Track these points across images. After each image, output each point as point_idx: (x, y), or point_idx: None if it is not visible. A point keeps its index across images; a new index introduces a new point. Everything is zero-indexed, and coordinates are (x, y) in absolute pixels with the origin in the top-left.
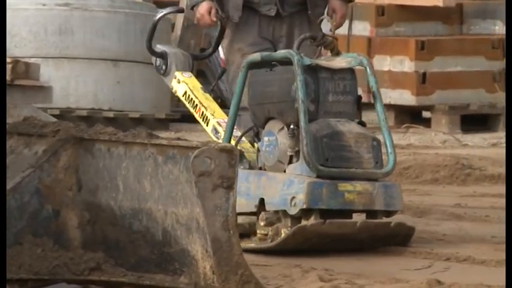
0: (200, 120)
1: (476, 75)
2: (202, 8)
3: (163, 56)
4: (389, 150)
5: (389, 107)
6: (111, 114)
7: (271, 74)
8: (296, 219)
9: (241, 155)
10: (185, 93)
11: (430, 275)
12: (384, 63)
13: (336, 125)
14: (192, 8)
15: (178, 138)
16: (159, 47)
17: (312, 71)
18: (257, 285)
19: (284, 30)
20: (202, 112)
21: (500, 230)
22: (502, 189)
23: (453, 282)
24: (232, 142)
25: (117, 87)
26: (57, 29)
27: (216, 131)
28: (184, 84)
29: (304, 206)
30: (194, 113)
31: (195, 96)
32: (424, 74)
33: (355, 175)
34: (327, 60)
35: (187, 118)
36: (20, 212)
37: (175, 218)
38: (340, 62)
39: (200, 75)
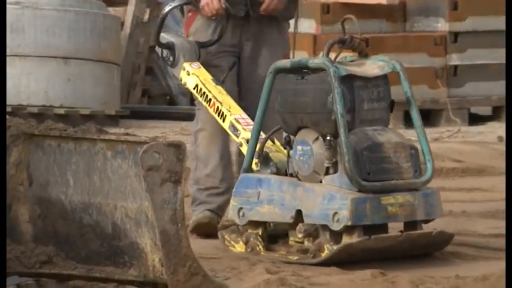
0: (215, 115)
1: (419, 71)
2: None
3: (170, 46)
4: (427, 158)
5: None
6: (62, 111)
7: (303, 83)
8: (338, 234)
9: (267, 157)
10: (196, 86)
11: (374, 267)
12: None
13: (375, 136)
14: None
15: (127, 134)
16: (164, 37)
17: (346, 80)
18: (205, 277)
19: (251, 32)
20: (218, 107)
21: (448, 222)
22: (444, 182)
23: (396, 274)
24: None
25: (68, 85)
26: (8, 27)
27: (234, 128)
28: (194, 76)
29: (349, 223)
30: (208, 108)
31: (207, 90)
32: None
33: (397, 187)
34: (359, 66)
35: (137, 115)
36: None
37: (124, 212)
38: (373, 68)
39: (148, 72)
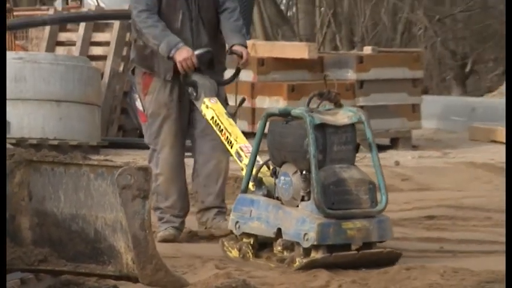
0: (225, 143)
1: None
2: (183, 53)
3: (194, 84)
4: (382, 192)
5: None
6: (55, 142)
7: (287, 127)
8: (307, 250)
9: (261, 181)
10: (212, 117)
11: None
12: (264, 102)
13: (340, 172)
14: (168, 57)
15: (106, 160)
16: (190, 76)
17: (320, 127)
18: (167, 272)
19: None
20: (227, 137)
21: None
22: None
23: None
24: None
25: (60, 122)
26: (13, 77)
27: (239, 155)
28: (211, 110)
29: (315, 243)
30: (220, 136)
31: (220, 121)
32: None
33: (355, 215)
34: (332, 115)
35: (114, 145)
36: None
37: (104, 221)
38: (343, 118)
39: (123, 111)
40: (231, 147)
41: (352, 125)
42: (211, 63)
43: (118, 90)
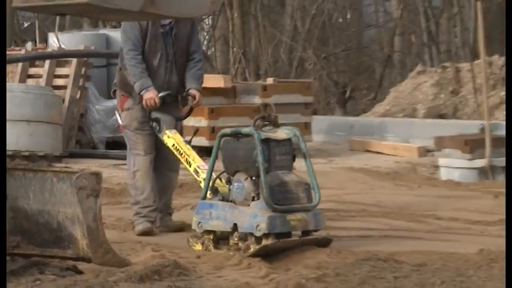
0: (185, 164)
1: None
2: (150, 94)
3: (157, 120)
4: (315, 191)
5: (194, 147)
6: (26, 153)
7: (238, 143)
8: (259, 238)
9: (216, 190)
10: (173, 145)
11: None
12: (190, 121)
13: (283, 176)
14: (139, 94)
15: (66, 167)
16: (154, 113)
17: (265, 142)
18: (114, 254)
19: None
20: (186, 158)
21: None
22: None
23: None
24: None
25: (30, 137)
26: None
27: (196, 172)
28: (172, 139)
29: (266, 231)
30: (180, 158)
31: (180, 147)
32: (213, 128)
33: (296, 209)
34: (273, 133)
35: (72, 155)
36: None
37: (64, 215)
38: (282, 134)
39: (79, 129)
40: (190, 166)
41: (289, 139)
42: (176, 100)
43: (75, 113)
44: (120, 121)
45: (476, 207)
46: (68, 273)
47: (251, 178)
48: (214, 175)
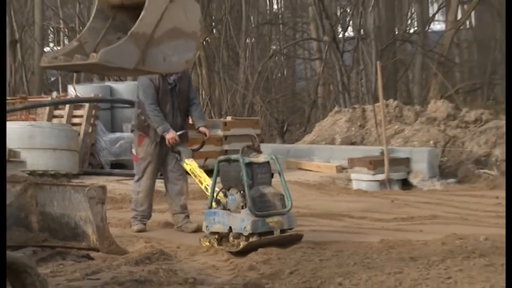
0: (198, 183)
1: (212, 153)
2: (171, 134)
3: (179, 152)
4: (288, 199)
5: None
6: (52, 172)
7: (230, 166)
8: (247, 237)
9: (219, 201)
10: (190, 169)
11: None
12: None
13: (263, 190)
14: (162, 135)
15: (81, 182)
16: (175, 148)
17: (249, 164)
18: (116, 245)
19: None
20: (199, 179)
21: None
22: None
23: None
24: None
25: (55, 161)
26: (28, 135)
27: (206, 189)
28: (189, 165)
29: (250, 232)
30: (195, 179)
31: (195, 171)
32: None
33: (273, 213)
34: (256, 158)
35: (86, 173)
36: (10, 215)
37: (79, 217)
38: (262, 158)
39: (91, 155)
40: (201, 184)
41: (268, 162)
42: (186, 136)
43: (88, 143)
44: (135, 153)
45: (378, 209)
46: (83, 259)
47: (240, 192)
48: (217, 189)
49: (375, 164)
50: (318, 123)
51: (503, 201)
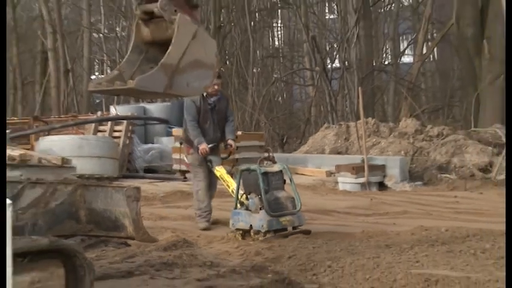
0: (226, 187)
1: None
2: (203, 146)
3: (210, 161)
4: (298, 201)
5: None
6: (97, 176)
7: (250, 174)
8: (264, 233)
9: (243, 203)
10: (220, 175)
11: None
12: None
13: (277, 194)
14: (197, 146)
15: (120, 184)
16: (208, 157)
17: (265, 173)
18: (149, 235)
19: (213, 152)
20: (227, 184)
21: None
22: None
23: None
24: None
25: (100, 166)
26: (78, 146)
27: (233, 192)
28: (219, 171)
29: (266, 229)
30: (224, 183)
31: (224, 177)
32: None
33: (285, 213)
34: (271, 167)
35: (124, 177)
36: (63, 210)
37: (119, 212)
38: (276, 168)
39: (128, 161)
40: (229, 188)
41: (281, 171)
42: (218, 148)
43: (126, 152)
44: (186, 161)
45: (359, 206)
46: (121, 246)
47: (258, 196)
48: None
49: (357, 170)
50: (311, 136)
51: (461, 200)
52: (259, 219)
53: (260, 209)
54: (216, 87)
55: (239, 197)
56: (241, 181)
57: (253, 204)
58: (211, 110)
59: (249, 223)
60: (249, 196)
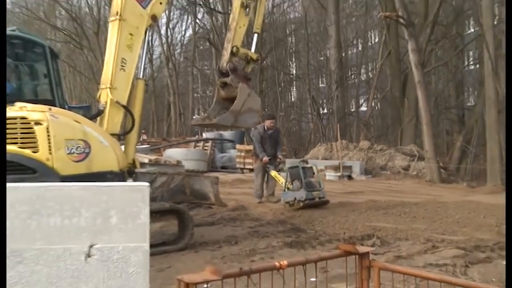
0: (277, 182)
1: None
2: (264, 158)
3: (268, 167)
4: (321, 185)
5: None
6: (196, 170)
7: (294, 169)
8: (303, 201)
9: (288, 188)
10: (274, 175)
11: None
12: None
13: (309, 180)
14: (260, 157)
15: (208, 175)
16: (267, 165)
17: (303, 168)
18: (221, 201)
19: (270, 162)
20: (278, 179)
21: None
22: None
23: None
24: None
25: (197, 165)
26: (185, 154)
27: (282, 184)
28: (273, 173)
29: (305, 198)
30: (275, 179)
31: (276, 176)
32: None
33: (315, 190)
34: (306, 164)
35: (210, 171)
36: (177, 189)
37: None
38: (309, 165)
39: (212, 162)
40: (279, 182)
41: (311, 167)
42: (273, 160)
43: (210, 157)
44: (253, 167)
45: (337, 188)
46: (208, 208)
47: (299, 181)
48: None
49: (336, 168)
50: (311, 150)
51: (393, 185)
52: (300, 194)
53: (300, 188)
54: (272, 124)
55: (288, 184)
56: (288, 173)
57: (297, 185)
58: (269, 137)
59: (294, 197)
60: (293, 182)
